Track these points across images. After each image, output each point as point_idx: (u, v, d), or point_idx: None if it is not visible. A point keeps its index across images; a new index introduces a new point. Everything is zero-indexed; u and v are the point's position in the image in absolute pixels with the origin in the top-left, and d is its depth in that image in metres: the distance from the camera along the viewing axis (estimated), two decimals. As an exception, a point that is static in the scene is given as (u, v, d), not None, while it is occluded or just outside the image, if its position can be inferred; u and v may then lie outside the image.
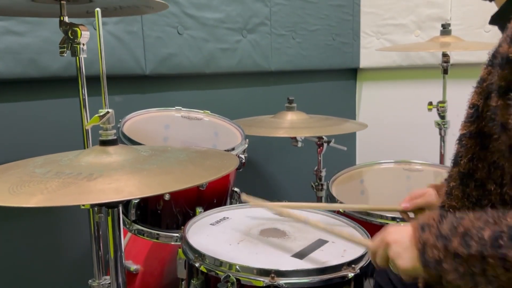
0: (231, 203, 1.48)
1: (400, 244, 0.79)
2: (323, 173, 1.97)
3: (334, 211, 1.52)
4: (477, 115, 0.79)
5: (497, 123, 0.74)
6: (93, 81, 1.24)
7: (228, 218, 1.27)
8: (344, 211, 1.50)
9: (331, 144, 1.92)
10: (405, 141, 2.79)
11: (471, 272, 0.67)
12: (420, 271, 0.76)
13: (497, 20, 0.88)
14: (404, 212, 1.26)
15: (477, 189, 0.80)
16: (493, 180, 0.78)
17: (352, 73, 2.99)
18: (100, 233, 1.29)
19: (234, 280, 0.93)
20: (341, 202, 1.53)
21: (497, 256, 0.64)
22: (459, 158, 0.84)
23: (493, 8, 0.93)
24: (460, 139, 0.84)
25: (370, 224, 1.42)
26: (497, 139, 0.76)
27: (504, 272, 0.63)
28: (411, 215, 1.19)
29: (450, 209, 0.85)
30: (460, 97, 2.34)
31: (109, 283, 0.98)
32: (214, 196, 1.42)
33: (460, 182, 0.83)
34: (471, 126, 0.81)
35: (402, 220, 1.38)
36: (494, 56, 0.76)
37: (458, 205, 0.84)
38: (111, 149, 0.91)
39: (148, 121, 1.56)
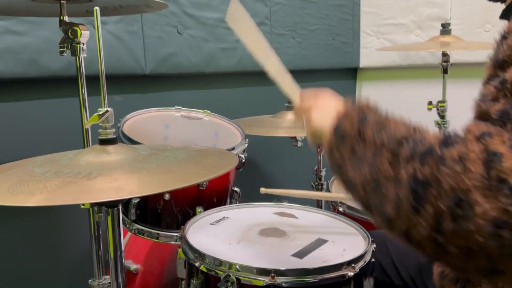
0: (231, 203, 1.48)
1: (327, 108, 0.80)
2: (323, 173, 1.97)
3: (334, 211, 1.53)
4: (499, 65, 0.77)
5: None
6: (93, 80, 1.24)
7: (228, 217, 1.27)
8: (344, 211, 1.50)
9: (331, 143, 1.92)
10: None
11: (363, 155, 0.66)
12: (325, 136, 0.76)
13: (508, 14, 0.87)
14: None
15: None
16: None
17: (352, 72, 2.99)
18: (100, 232, 1.29)
19: (234, 279, 0.93)
20: (341, 202, 1.53)
21: (393, 151, 0.62)
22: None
23: (494, 9, 0.93)
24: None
25: (370, 223, 1.42)
26: None
27: (389, 169, 0.62)
28: None
29: None
30: (460, 97, 2.35)
31: (109, 282, 0.98)
32: (214, 195, 1.42)
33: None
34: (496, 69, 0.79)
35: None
36: (502, 36, 0.75)
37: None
38: (110, 148, 0.91)
39: (148, 120, 1.56)
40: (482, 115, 0.63)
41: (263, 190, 1.29)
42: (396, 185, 0.61)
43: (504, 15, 0.88)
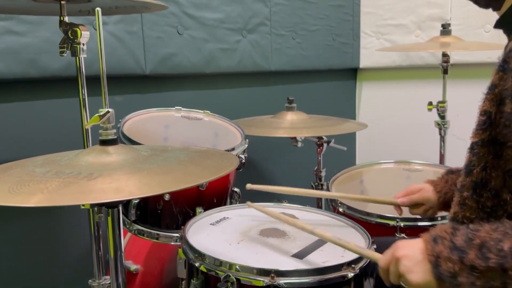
0: (231, 203, 1.48)
1: (411, 258, 0.76)
2: (323, 173, 1.97)
3: (334, 211, 1.53)
4: (490, 122, 0.76)
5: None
6: (93, 81, 1.24)
7: (228, 218, 1.27)
8: (344, 211, 1.50)
9: (331, 144, 1.92)
10: (405, 141, 2.79)
11: (490, 285, 0.65)
12: (433, 285, 0.73)
13: (503, 23, 0.86)
14: (398, 206, 1.25)
15: (491, 199, 0.78)
16: (509, 189, 0.76)
17: (352, 73, 2.99)
18: (100, 233, 1.29)
19: (234, 280, 0.93)
20: (341, 203, 1.53)
21: None
22: (472, 167, 0.81)
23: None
24: (472, 147, 0.81)
25: (370, 224, 1.42)
26: (511, 147, 0.73)
27: None
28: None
29: (464, 220, 0.82)
30: (460, 97, 2.35)
31: (109, 283, 0.98)
32: (214, 196, 1.42)
33: (473, 192, 0.81)
34: (483, 134, 0.78)
35: (402, 220, 1.38)
36: (505, 61, 0.74)
37: (472, 216, 0.81)
38: (111, 148, 0.91)
39: (148, 121, 1.56)
40: None
41: (248, 186, 1.28)
42: None
43: (499, 25, 0.87)
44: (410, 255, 0.77)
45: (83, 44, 1.18)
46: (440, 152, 2.10)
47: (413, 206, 1.23)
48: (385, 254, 0.85)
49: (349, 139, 2.95)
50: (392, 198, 1.27)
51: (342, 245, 0.99)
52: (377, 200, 1.32)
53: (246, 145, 1.51)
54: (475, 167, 0.80)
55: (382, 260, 0.85)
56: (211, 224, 1.23)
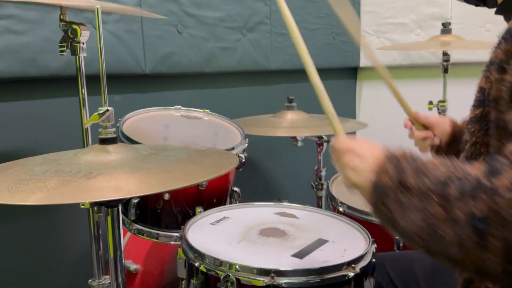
0: (230, 203, 1.47)
1: (363, 159, 0.78)
2: (323, 173, 1.96)
3: (334, 211, 1.52)
4: (483, 99, 0.77)
5: (492, 100, 0.72)
6: (93, 80, 1.23)
7: (228, 217, 1.27)
8: (344, 211, 1.50)
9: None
10: (405, 140, 2.78)
11: (411, 203, 0.65)
12: (363, 191, 0.75)
13: (502, 9, 0.87)
14: (412, 119, 1.26)
15: None
16: None
17: (352, 72, 2.99)
18: (100, 232, 1.28)
19: (234, 279, 0.93)
20: (341, 202, 1.53)
21: (440, 193, 0.62)
22: (465, 144, 0.82)
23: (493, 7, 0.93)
24: (466, 124, 0.83)
25: (370, 223, 1.42)
26: (492, 121, 0.74)
27: (442, 212, 0.61)
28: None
29: None
30: (460, 96, 2.34)
31: (109, 282, 0.97)
32: (214, 195, 1.42)
33: None
34: (477, 110, 0.79)
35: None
36: (503, 38, 0.74)
37: None
38: (110, 147, 0.90)
39: (148, 120, 1.55)
40: None
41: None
42: (455, 226, 0.60)
43: (499, 10, 0.88)
44: (364, 156, 0.78)
45: (83, 43, 1.18)
46: (441, 152, 2.10)
47: (422, 125, 1.21)
48: (345, 139, 0.86)
49: (349, 139, 2.94)
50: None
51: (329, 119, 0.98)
52: (401, 101, 1.32)
53: (246, 145, 1.51)
54: (467, 143, 0.81)
55: (338, 139, 0.87)
56: (211, 223, 1.22)
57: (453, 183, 0.62)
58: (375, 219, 1.45)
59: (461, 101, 2.14)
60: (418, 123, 1.26)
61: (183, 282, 1.17)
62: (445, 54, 2.00)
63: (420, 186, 0.65)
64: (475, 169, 0.62)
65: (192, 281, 1.02)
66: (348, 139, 0.85)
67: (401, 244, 1.38)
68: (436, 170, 0.65)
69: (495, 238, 0.56)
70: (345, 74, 2.94)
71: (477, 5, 0.97)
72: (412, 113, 1.19)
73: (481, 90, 0.78)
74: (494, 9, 0.92)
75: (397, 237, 1.37)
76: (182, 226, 1.16)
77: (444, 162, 0.67)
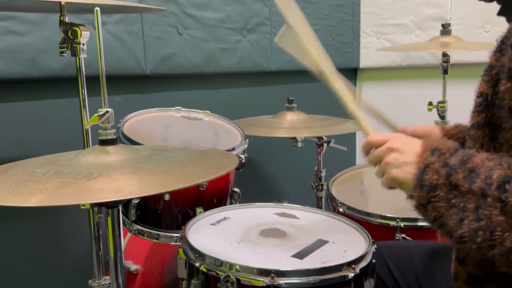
0: (231, 203, 1.47)
1: (404, 154, 0.76)
2: (323, 173, 1.96)
3: (334, 211, 1.52)
4: (486, 104, 0.76)
5: (505, 109, 0.71)
6: (93, 81, 1.24)
7: (228, 218, 1.27)
8: (344, 211, 1.50)
9: (331, 144, 1.92)
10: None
11: (463, 206, 0.64)
12: (407, 187, 0.74)
13: (505, 10, 0.86)
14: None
15: None
16: None
17: (352, 73, 2.99)
18: (100, 233, 1.29)
19: (234, 280, 0.93)
20: (341, 203, 1.53)
21: (499, 198, 0.61)
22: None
23: (494, 9, 0.93)
24: (468, 130, 0.81)
25: (370, 224, 1.43)
26: (506, 130, 0.73)
27: (498, 214, 0.60)
28: None
29: None
30: (460, 97, 2.34)
31: (109, 283, 0.98)
32: (214, 196, 1.42)
33: None
34: (479, 116, 0.78)
35: (403, 220, 1.38)
36: (502, 42, 0.73)
37: None
38: (110, 148, 0.90)
39: (148, 121, 1.55)
40: None
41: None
42: None
43: (502, 12, 0.87)
44: (404, 151, 0.77)
45: (83, 44, 1.18)
46: (440, 152, 2.10)
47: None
48: (381, 134, 0.84)
49: (349, 139, 2.95)
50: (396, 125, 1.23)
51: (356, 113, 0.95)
52: (382, 118, 1.25)
53: (246, 145, 1.51)
54: (470, 149, 0.79)
55: (374, 137, 0.84)
56: (211, 224, 1.22)
57: (510, 185, 0.60)
58: (375, 220, 1.46)
59: (460, 102, 2.15)
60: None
61: (183, 282, 1.18)
62: (444, 55, 2.00)
63: (473, 188, 0.63)
64: None
65: (192, 281, 1.02)
66: (383, 136, 0.83)
67: (401, 245, 1.38)
68: (488, 169, 0.64)
69: None
70: (345, 75, 2.91)
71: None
72: (398, 129, 1.18)
73: (481, 95, 0.77)
74: (494, 10, 0.92)
75: (397, 237, 1.37)
76: (183, 227, 1.16)
77: (493, 159, 0.65)
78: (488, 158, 0.66)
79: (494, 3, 0.90)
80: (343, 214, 1.43)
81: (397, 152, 0.78)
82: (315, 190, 1.97)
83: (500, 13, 0.88)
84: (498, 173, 0.63)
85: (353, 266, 0.97)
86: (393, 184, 0.79)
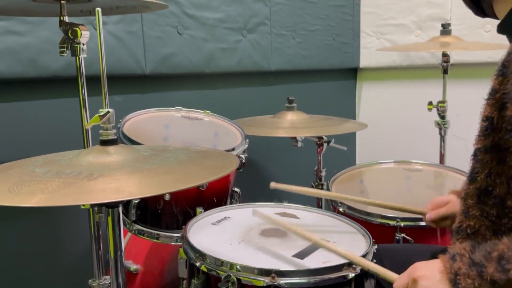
0: (231, 203, 1.47)
1: (430, 278, 0.76)
2: (323, 173, 1.97)
3: (334, 211, 1.52)
4: (492, 128, 0.76)
5: None
6: (93, 81, 1.24)
7: (229, 217, 1.27)
8: (345, 211, 1.50)
9: (331, 144, 1.92)
10: (405, 141, 2.79)
11: None
12: None
13: (504, 28, 0.85)
14: (428, 222, 1.19)
15: (496, 207, 0.77)
16: None
17: (352, 73, 2.99)
18: (100, 233, 1.29)
19: (235, 279, 0.93)
20: (341, 203, 1.53)
21: None
22: (475, 174, 0.80)
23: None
24: (475, 154, 0.80)
25: (370, 224, 1.42)
26: None
27: None
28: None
29: (468, 230, 0.80)
30: (460, 97, 2.35)
31: (109, 283, 0.98)
32: (214, 196, 1.42)
33: (477, 200, 0.79)
34: (486, 140, 0.77)
35: (403, 220, 1.38)
36: (504, 65, 0.73)
37: (476, 225, 0.80)
38: (111, 148, 0.90)
39: (148, 121, 1.55)
40: None
41: (273, 185, 1.26)
42: None
43: (501, 29, 0.86)
44: (428, 275, 0.76)
45: (83, 44, 1.18)
46: (440, 152, 2.10)
47: (439, 220, 1.19)
48: (401, 275, 0.84)
49: (349, 139, 2.95)
50: (421, 208, 1.22)
51: (360, 263, 0.96)
52: (404, 208, 1.26)
53: (246, 145, 1.51)
54: (479, 174, 0.79)
55: (399, 281, 0.84)
56: (212, 224, 1.23)
57: None
58: (375, 219, 1.46)
59: (460, 102, 2.15)
60: (435, 222, 1.22)
61: (184, 282, 1.18)
62: (444, 55, 2.00)
63: (504, 272, 0.63)
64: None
65: (193, 281, 1.02)
66: (403, 276, 0.83)
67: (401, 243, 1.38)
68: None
69: None
70: (345, 75, 2.94)
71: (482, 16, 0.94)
72: (425, 216, 1.17)
73: (487, 119, 0.77)
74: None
75: (397, 236, 1.37)
76: (184, 226, 1.16)
77: None
78: (511, 241, 0.65)
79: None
80: (343, 214, 1.43)
81: (423, 279, 0.77)
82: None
83: (499, 31, 0.87)
84: None
85: (353, 266, 0.97)
86: None
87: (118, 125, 1.39)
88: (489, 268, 0.66)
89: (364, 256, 1.01)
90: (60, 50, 1.18)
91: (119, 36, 1.70)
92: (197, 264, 1.00)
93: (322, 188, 1.96)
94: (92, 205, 1.16)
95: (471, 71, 2.44)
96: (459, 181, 1.53)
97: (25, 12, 1.32)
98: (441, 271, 0.74)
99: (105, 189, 0.76)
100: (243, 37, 2.16)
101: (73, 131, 1.34)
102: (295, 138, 1.84)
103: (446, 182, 1.77)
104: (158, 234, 1.38)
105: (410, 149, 2.74)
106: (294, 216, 1.29)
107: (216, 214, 1.30)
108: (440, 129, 2.06)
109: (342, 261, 0.98)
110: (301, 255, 1.04)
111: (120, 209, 0.91)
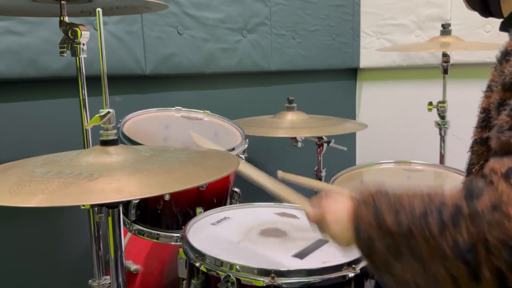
0: (231, 203, 1.48)
1: (337, 216, 0.75)
2: (323, 173, 1.97)
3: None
4: (488, 120, 0.76)
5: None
6: (93, 81, 1.24)
7: (229, 218, 1.27)
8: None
9: (331, 144, 1.92)
10: (405, 141, 2.79)
11: (400, 248, 0.62)
12: (354, 244, 0.72)
13: (508, 26, 0.86)
14: None
15: None
16: None
17: (352, 73, 2.99)
18: (100, 233, 1.29)
19: (234, 280, 0.93)
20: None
21: (422, 230, 0.58)
22: (471, 166, 0.80)
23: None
24: (472, 146, 0.81)
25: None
26: None
27: (428, 249, 0.58)
28: None
29: None
30: (460, 97, 2.35)
31: (109, 283, 0.98)
32: (214, 196, 1.42)
33: None
34: (482, 132, 0.77)
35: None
36: (504, 54, 0.73)
37: None
38: (111, 149, 0.90)
39: (148, 121, 1.55)
40: (504, 147, 0.59)
41: (280, 174, 1.25)
42: (444, 263, 0.56)
43: (504, 27, 0.87)
44: (337, 212, 0.76)
45: (83, 44, 1.18)
46: (440, 152, 2.10)
47: None
48: (311, 208, 0.83)
49: (349, 139, 2.95)
50: None
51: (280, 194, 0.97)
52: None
53: (246, 145, 1.51)
54: (474, 165, 0.79)
55: (310, 215, 0.83)
56: (212, 224, 1.23)
57: (431, 216, 0.57)
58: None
59: (460, 102, 2.15)
60: None
61: (184, 282, 1.18)
62: (444, 55, 2.00)
63: (400, 228, 0.61)
64: (453, 195, 0.58)
65: (193, 281, 1.02)
66: (313, 206, 0.82)
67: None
68: (411, 205, 0.61)
69: (486, 267, 0.52)
70: (345, 75, 2.94)
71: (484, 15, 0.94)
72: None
73: (484, 111, 0.77)
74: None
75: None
76: (183, 226, 1.16)
77: (419, 194, 0.62)
78: (416, 195, 0.63)
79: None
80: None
81: (330, 215, 0.78)
82: (315, 190, 1.97)
83: (502, 29, 0.87)
84: (419, 206, 0.61)
85: (353, 266, 0.97)
86: (342, 245, 0.78)
87: (118, 125, 1.39)
88: (388, 221, 0.63)
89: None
90: (60, 50, 1.18)
91: (119, 36, 1.70)
92: (197, 264, 1.00)
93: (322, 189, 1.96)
94: (92, 205, 1.16)
95: (471, 71, 2.45)
96: (459, 182, 1.53)
97: (25, 12, 1.32)
98: (349, 213, 0.72)
99: (105, 190, 0.76)
100: (243, 37, 2.16)
101: (73, 131, 1.34)
102: (295, 138, 1.84)
103: (446, 182, 1.77)
104: (158, 234, 1.38)
105: (410, 149, 2.74)
106: (294, 216, 1.29)
107: (216, 214, 1.30)
108: (440, 129, 2.06)
109: (342, 261, 0.98)
110: (301, 255, 1.04)
111: (120, 209, 0.91)
